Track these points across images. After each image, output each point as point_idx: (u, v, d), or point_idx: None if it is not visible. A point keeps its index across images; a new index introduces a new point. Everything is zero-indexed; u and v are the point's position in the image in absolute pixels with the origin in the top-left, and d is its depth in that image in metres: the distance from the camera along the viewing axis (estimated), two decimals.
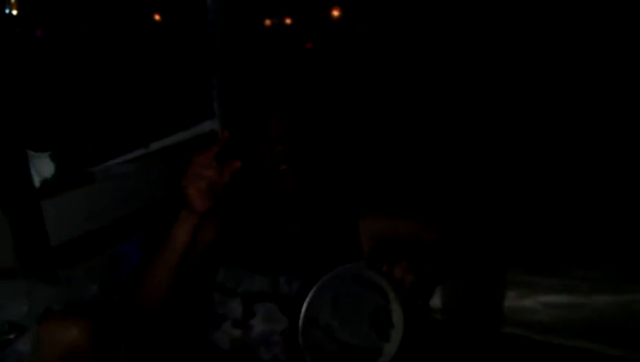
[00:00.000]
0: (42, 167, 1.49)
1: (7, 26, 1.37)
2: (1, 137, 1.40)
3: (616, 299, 1.25)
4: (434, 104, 2.73)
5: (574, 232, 1.66)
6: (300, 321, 1.11)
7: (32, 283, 1.08)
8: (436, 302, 1.37)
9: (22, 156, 1.45)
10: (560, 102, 2.37)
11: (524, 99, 2.50)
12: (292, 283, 1.43)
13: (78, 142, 1.57)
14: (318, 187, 1.51)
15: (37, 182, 1.49)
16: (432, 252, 1.20)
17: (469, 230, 1.41)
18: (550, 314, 1.30)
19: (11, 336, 1.00)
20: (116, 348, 1.20)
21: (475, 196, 2.26)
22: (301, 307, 1.13)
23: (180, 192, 1.18)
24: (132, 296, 1.27)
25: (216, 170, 1.15)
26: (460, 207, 2.14)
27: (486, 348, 1.40)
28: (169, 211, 1.56)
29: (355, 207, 1.53)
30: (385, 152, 2.55)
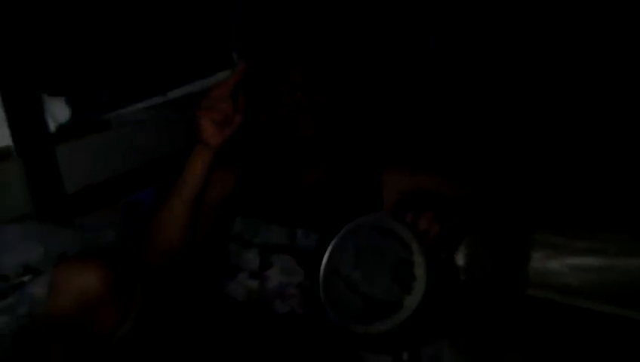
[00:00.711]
0: (57, 112, 1.46)
1: None
2: (17, 81, 1.37)
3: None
4: (458, 61, 2.64)
5: (600, 193, 1.61)
6: (321, 272, 1.08)
7: (48, 226, 1.06)
8: (459, 261, 1.33)
9: (37, 100, 1.42)
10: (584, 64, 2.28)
11: (551, 60, 2.41)
12: (310, 235, 1.40)
13: (95, 87, 1.53)
14: (339, 137, 1.46)
15: (52, 126, 1.46)
16: (457, 205, 1.16)
17: (495, 188, 1.36)
18: (577, 276, 1.26)
19: (26, 279, 0.99)
20: (132, 294, 1.19)
21: (501, 155, 2.20)
22: (321, 259, 1.11)
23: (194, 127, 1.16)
24: (148, 237, 1.25)
25: (231, 104, 1.12)
26: (486, 165, 2.09)
27: (510, 310, 1.37)
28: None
29: (377, 159, 1.49)
30: (410, 107, 2.49)
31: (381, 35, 2.45)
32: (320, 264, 1.10)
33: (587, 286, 1.25)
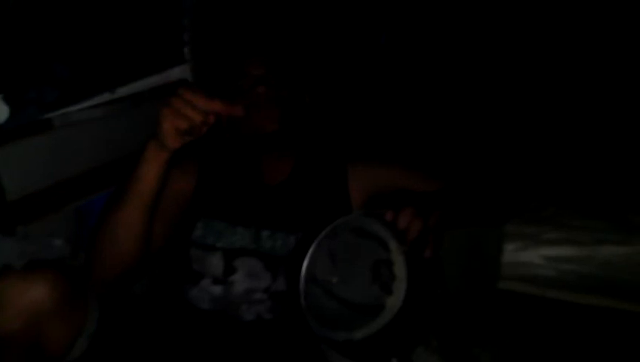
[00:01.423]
0: None
1: None
2: None
3: (623, 251, 1.20)
4: (410, 56, 2.63)
5: (574, 180, 1.61)
6: (300, 280, 1.01)
7: None
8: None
9: None
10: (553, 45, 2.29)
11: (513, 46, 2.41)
12: (276, 236, 1.34)
13: (37, 84, 1.41)
14: (303, 134, 1.41)
15: None
16: (435, 198, 1.11)
17: (465, 178, 1.33)
18: (552, 267, 1.25)
19: None
20: (85, 308, 1.09)
21: (469, 142, 2.19)
22: (295, 263, 1.04)
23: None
24: (98, 248, 1.15)
25: (201, 113, 1.02)
26: (454, 154, 2.07)
27: (484, 305, 1.35)
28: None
29: (342, 155, 1.44)
30: (373, 99, 2.46)
31: (338, 29, 2.41)
32: (295, 269, 1.04)
33: (564, 277, 1.23)
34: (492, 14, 2.45)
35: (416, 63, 2.65)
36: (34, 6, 1.37)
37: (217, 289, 1.33)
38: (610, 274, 1.18)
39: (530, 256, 1.26)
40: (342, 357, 1.17)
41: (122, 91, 1.63)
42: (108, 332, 1.13)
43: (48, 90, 1.45)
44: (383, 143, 2.15)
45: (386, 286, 0.98)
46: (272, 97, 1.32)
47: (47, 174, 1.44)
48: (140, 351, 1.22)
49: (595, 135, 2.02)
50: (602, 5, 2.17)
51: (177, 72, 1.82)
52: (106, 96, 1.58)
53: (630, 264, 1.16)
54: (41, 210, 1.43)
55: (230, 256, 1.33)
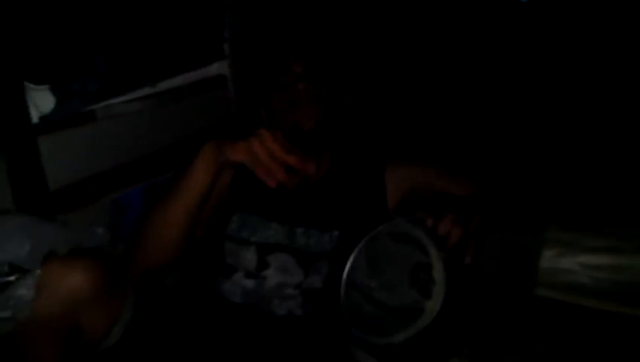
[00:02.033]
0: (41, 102, 1.37)
1: None
2: None
3: None
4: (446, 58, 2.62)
5: (614, 189, 1.58)
6: (342, 285, 1.02)
7: (36, 222, 0.97)
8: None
9: (20, 88, 1.33)
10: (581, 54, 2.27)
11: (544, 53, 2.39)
12: (310, 233, 1.35)
13: (81, 76, 1.45)
14: (341, 132, 1.41)
15: (35, 117, 1.37)
16: (474, 203, 1.10)
17: (505, 185, 1.32)
18: (589, 275, 1.22)
19: (12, 278, 0.91)
20: (123, 296, 1.11)
21: (509, 149, 2.17)
22: (334, 269, 1.05)
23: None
24: (142, 240, 1.18)
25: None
26: (493, 160, 2.05)
27: (521, 311, 1.33)
28: (176, 159, 1.47)
29: (380, 154, 1.44)
30: (407, 103, 2.45)
31: (376, 30, 2.41)
32: (336, 275, 1.05)
33: (600, 286, 1.21)
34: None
35: (451, 64, 2.64)
36: (78, 2, 1.40)
37: (250, 283, 1.34)
38: None
39: (568, 263, 1.24)
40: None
41: (162, 85, 1.66)
42: (142, 321, 1.15)
43: (91, 82, 1.49)
44: (418, 143, 2.14)
45: (425, 290, 0.98)
46: (311, 95, 1.32)
47: (87, 165, 1.49)
48: (172, 341, 1.25)
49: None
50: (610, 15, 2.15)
51: (216, 68, 1.85)
52: (146, 90, 1.61)
53: None
54: (80, 200, 1.46)
55: (264, 251, 1.34)
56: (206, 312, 1.36)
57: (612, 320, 1.22)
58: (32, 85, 1.36)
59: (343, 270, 1.09)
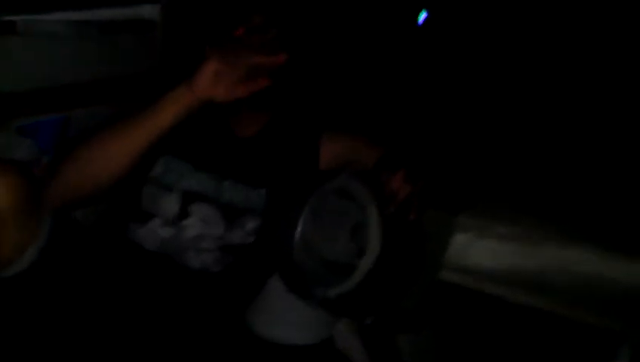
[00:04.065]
0: None
1: None
2: None
3: (560, 253, 1.30)
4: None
5: (527, 177, 1.70)
6: (295, 241, 1.04)
7: None
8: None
9: None
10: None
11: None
12: (238, 188, 1.33)
13: None
14: (285, 92, 1.40)
15: None
16: (422, 168, 1.16)
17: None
18: (494, 261, 1.33)
19: None
20: (39, 218, 1.02)
21: (438, 128, 2.27)
22: (282, 222, 1.06)
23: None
24: (76, 163, 1.11)
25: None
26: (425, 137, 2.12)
27: (430, 295, 1.40)
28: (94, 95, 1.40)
29: (319, 122, 1.45)
30: (359, 76, 2.48)
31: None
32: (285, 229, 1.08)
33: (506, 273, 1.32)
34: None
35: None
36: None
37: (166, 232, 1.30)
38: (547, 275, 1.28)
39: (477, 248, 1.34)
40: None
41: (91, 15, 1.55)
42: (55, 251, 1.07)
43: None
44: (361, 118, 2.17)
45: (361, 249, 1.02)
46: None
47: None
48: (79, 280, 1.17)
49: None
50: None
51: (148, 10, 1.75)
52: (75, 14, 1.49)
53: (567, 268, 1.26)
54: None
55: (187, 199, 1.30)
56: (116, 257, 1.28)
57: (516, 309, 1.33)
58: None
59: (274, 227, 1.10)
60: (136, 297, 1.24)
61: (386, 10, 2.64)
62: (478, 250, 1.33)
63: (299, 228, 1.06)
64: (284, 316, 1.29)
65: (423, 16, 2.79)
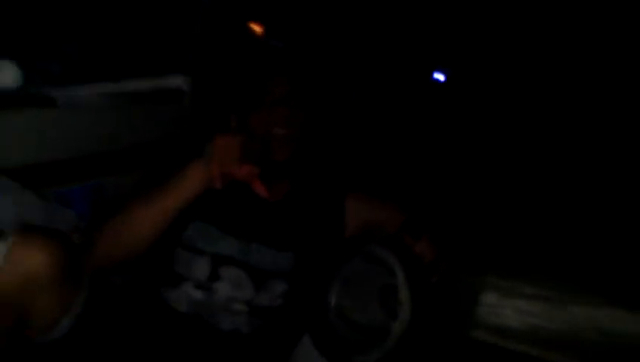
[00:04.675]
0: (3, 75, 1.30)
1: None
2: None
3: (585, 312, 1.30)
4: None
5: (553, 240, 1.72)
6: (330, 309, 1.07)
7: (19, 188, 0.91)
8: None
9: None
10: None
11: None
12: (264, 250, 1.36)
13: (49, 57, 1.39)
14: (309, 157, 1.44)
15: None
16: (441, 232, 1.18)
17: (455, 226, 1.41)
18: (521, 321, 1.33)
19: None
20: (77, 287, 1.06)
21: (462, 192, 2.30)
22: (290, 283, 1.10)
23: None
24: (109, 233, 1.16)
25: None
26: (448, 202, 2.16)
27: (455, 352, 1.40)
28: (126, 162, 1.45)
29: (342, 183, 1.49)
30: (383, 139, 2.55)
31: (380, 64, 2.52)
32: (296, 291, 1.13)
33: (529, 331, 1.31)
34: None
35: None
36: None
37: (198, 294, 1.33)
38: (575, 334, 1.28)
39: (505, 307, 1.34)
40: None
41: (123, 87, 1.63)
42: (89, 318, 1.09)
43: (55, 65, 1.44)
44: (384, 180, 2.21)
45: (393, 311, 1.04)
46: (290, 120, 1.35)
47: (36, 151, 1.41)
48: (115, 344, 1.19)
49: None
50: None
51: (176, 81, 1.83)
52: (109, 87, 1.57)
53: (594, 325, 1.26)
54: (26, 182, 1.37)
55: (217, 262, 1.33)
56: (150, 319, 1.31)
57: None
58: None
59: (302, 290, 1.12)
60: (169, 359, 1.25)
61: (403, 71, 2.73)
62: (507, 310, 1.33)
63: (333, 297, 1.09)
64: None
65: (441, 75, 2.87)
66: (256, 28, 1.90)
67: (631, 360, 1.32)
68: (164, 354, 1.24)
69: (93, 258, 1.15)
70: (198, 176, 1.17)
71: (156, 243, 1.31)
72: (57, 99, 1.43)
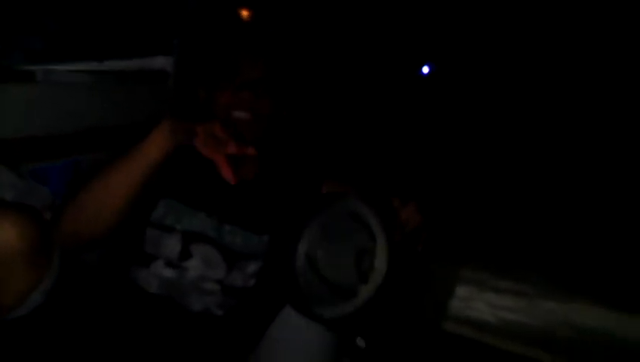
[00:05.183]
0: None
1: None
2: None
3: (558, 308, 1.31)
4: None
5: (528, 235, 1.73)
6: (298, 256, 1.05)
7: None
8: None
9: None
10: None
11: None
12: (238, 233, 1.35)
13: (29, 32, 1.37)
14: (273, 140, 1.43)
15: None
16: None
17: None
18: (496, 315, 1.33)
19: None
20: (47, 262, 1.04)
21: (441, 182, 2.31)
22: (264, 265, 1.14)
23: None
24: (77, 208, 1.14)
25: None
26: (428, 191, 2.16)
27: (426, 344, 1.41)
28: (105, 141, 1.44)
29: (322, 172, 1.48)
30: (365, 127, 2.54)
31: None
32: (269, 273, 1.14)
33: (505, 326, 1.32)
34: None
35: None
36: None
37: (169, 273, 1.31)
38: (548, 329, 1.29)
39: (479, 301, 1.35)
40: None
41: (107, 65, 1.61)
42: (60, 294, 1.08)
43: (37, 40, 1.43)
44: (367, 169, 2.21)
45: (364, 274, 1.04)
46: (259, 103, 1.35)
47: (15, 126, 1.40)
48: (83, 323, 1.18)
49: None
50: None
51: (160, 62, 1.82)
52: (91, 65, 1.55)
53: (567, 321, 1.27)
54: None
55: (188, 239, 1.32)
56: (119, 300, 1.30)
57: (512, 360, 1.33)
58: None
59: (276, 271, 1.11)
60: (139, 340, 1.25)
61: (389, 58, 2.72)
62: (478, 304, 1.34)
63: (305, 244, 1.07)
64: None
65: (426, 67, 2.87)
66: (245, 13, 1.89)
67: (603, 357, 1.33)
68: (133, 336, 1.23)
69: (63, 234, 1.13)
70: (157, 143, 1.14)
71: (125, 222, 1.31)
72: (37, 74, 1.42)
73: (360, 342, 1.26)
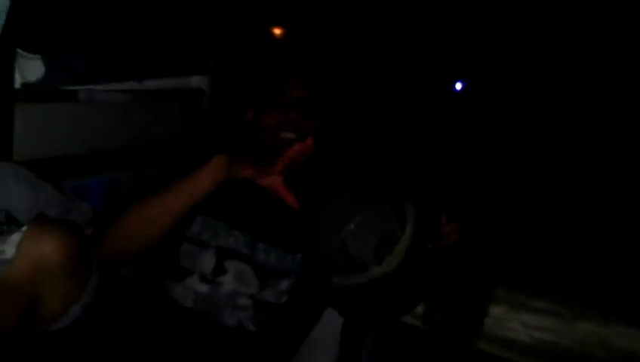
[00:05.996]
0: (28, 69, 1.34)
1: None
2: None
3: (594, 329, 1.29)
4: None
5: (565, 255, 1.71)
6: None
7: (36, 179, 0.94)
8: (418, 307, 1.36)
9: (9, 52, 1.29)
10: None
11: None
12: (271, 251, 1.37)
13: (71, 53, 1.43)
14: (319, 161, 1.45)
15: (18, 83, 1.33)
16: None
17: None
18: (531, 335, 1.32)
19: (4, 229, 0.87)
20: (87, 277, 1.08)
21: (476, 202, 2.30)
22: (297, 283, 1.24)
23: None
24: (120, 226, 1.19)
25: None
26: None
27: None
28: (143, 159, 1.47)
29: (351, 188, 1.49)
30: (396, 147, 2.55)
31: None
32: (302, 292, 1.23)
33: (537, 346, 1.31)
34: None
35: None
36: None
37: (203, 288, 1.34)
38: (584, 350, 1.27)
39: (513, 321, 1.34)
40: None
41: (145, 85, 1.66)
42: (99, 308, 1.12)
43: (79, 61, 1.48)
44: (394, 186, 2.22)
45: (380, 258, 1.05)
46: (304, 124, 1.37)
47: (58, 144, 1.45)
48: (120, 337, 1.21)
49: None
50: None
51: (196, 81, 1.87)
52: (130, 85, 1.60)
53: (602, 343, 1.25)
54: (45, 174, 1.41)
55: (223, 255, 1.35)
56: (155, 314, 1.33)
57: None
58: (22, 52, 1.33)
59: (309, 289, 1.14)
60: (174, 354, 1.27)
61: (422, 76, 2.73)
62: (514, 323, 1.33)
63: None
64: None
65: (459, 84, 2.87)
66: (278, 31, 1.93)
67: None
68: (168, 350, 1.26)
69: (103, 250, 1.18)
70: (211, 175, 1.21)
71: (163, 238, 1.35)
72: (79, 94, 1.47)
73: (352, 324, 1.31)
